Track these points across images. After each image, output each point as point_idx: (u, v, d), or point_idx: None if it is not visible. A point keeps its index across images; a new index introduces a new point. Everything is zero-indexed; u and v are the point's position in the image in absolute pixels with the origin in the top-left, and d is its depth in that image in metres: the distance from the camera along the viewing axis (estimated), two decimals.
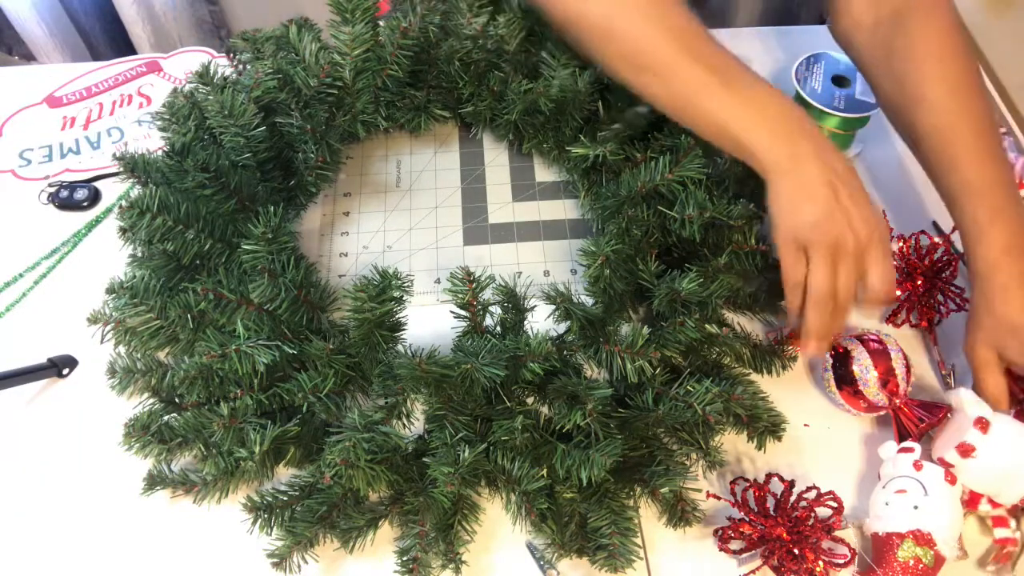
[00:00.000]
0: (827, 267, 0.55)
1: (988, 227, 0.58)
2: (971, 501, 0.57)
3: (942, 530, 0.53)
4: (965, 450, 0.55)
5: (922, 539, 0.53)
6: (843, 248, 0.54)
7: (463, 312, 0.59)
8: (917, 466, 0.56)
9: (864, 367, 0.60)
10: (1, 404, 0.64)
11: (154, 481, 0.58)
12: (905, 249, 0.68)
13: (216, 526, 0.58)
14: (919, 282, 0.67)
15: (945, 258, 0.67)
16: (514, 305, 0.61)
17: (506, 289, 0.60)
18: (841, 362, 0.61)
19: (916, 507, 0.54)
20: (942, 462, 0.56)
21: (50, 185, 0.78)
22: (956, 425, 0.58)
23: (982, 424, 0.55)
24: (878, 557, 0.54)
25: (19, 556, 0.57)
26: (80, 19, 1.30)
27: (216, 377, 0.58)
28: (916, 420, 0.60)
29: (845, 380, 0.61)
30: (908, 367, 0.61)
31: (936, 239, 0.68)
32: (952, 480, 0.55)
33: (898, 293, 0.67)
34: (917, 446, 0.57)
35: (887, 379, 0.60)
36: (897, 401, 0.60)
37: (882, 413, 0.62)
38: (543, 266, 0.73)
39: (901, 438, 0.60)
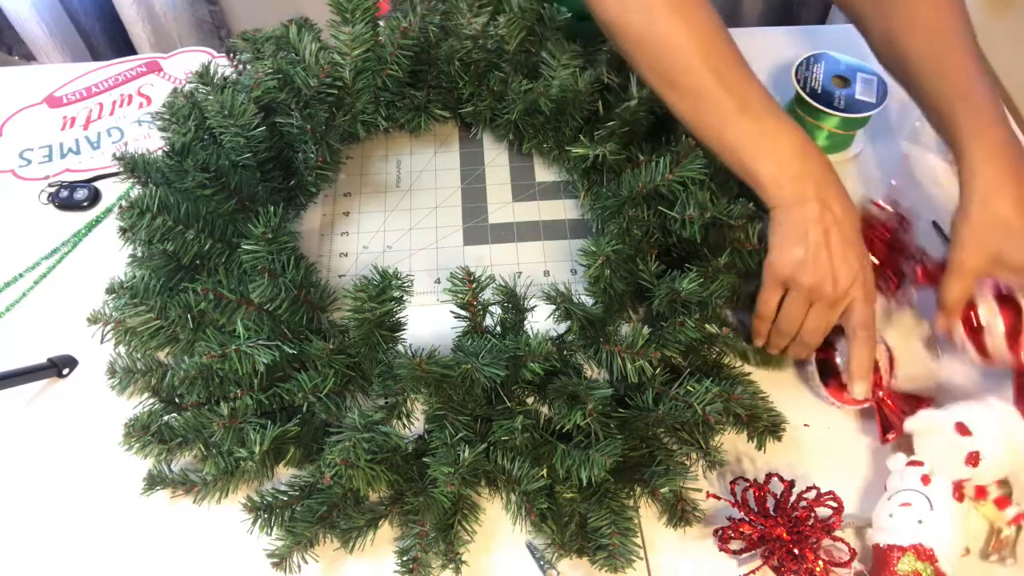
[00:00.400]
0: (799, 308, 0.58)
1: (979, 133, 0.58)
2: (979, 493, 0.57)
3: (944, 546, 0.53)
4: (974, 459, 0.54)
5: (923, 554, 0.52)
6: (820, 292, 0.56)
7: (463, 312, 0.59)
8: (925, 480, 0.55)
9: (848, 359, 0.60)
10: (1, 404, 0.64)
11: (154, 481, 0.58)
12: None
13: (216, 526, 0.58)
14: (879, 248, 0.67)
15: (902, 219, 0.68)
16: (514, 305, 0.61)
17: (506, 289, 0.60)
18: (825, 355, 0.61)
19: (920, 521, 0.53)
20: (958, 484, 0.55)
21: (50, 185, 0.78)
22: (936, 445, 0.57)
23: (963, 428, 0.55)
24: (878, 568, 0.54)
25: (19, 556, 0.57)
26: (80, 19, 1.30)
27: (216, 377, 0.58)
28: (899, 412, 0.60)
29: (830, 373, 0.61)
30: (892, 359, 0.61)
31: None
32: (960, 497, 0.55)
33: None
34: (927, 461, 0.57)
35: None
36: (880, 393, 0.60)
37: (866, 406, 0.62)
38: (543, 266, 0.73)
39: (884, 430, 0.61)
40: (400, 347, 0.60)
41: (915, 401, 0.61)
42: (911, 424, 0.58)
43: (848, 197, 0.57)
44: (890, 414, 0.61)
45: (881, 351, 0.61)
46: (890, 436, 0.60)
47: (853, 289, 0.56)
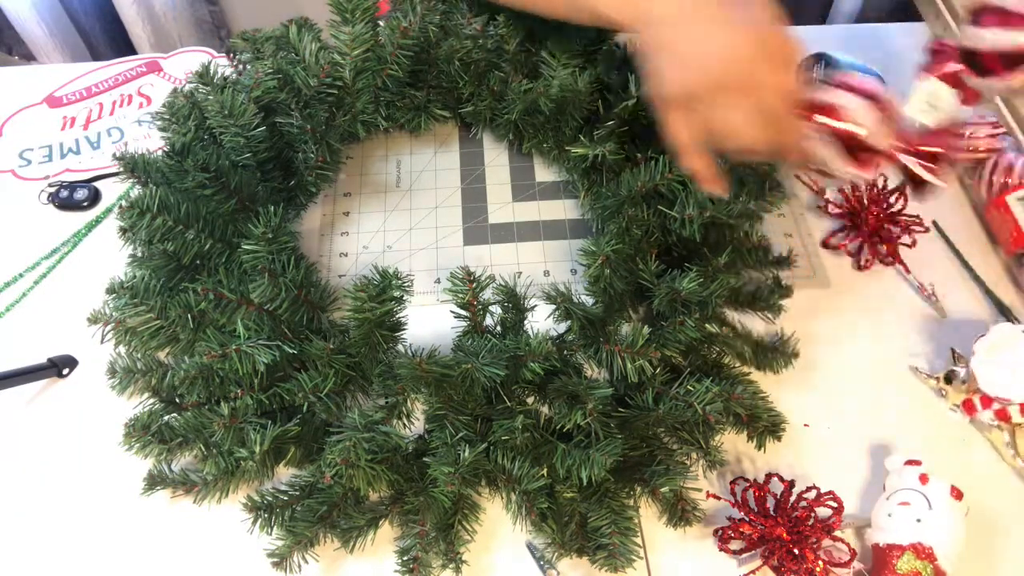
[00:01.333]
0: (718, 118, 0.50)
1: None
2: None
3: (943, 545, 0.53)
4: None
5: (922, 552, 0.52)
6: (720, 86, 0.49)
7: (463, 312, 0.59)
8: (923, 479, 0.55)
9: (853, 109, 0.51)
10: (1, 404, 0.64)
11: (154, 481, 0.58)
12: (850, 194, 0.71)
13: (216, 526, 0.58)
14: (871, 220, 0.69)
15: (889, 189, 0.69)
16: (514, 305, 0.61)
17: (506, 289, 0.60)
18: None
19: (919, 520, 0.53)
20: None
21: (50, 185, 0.78)
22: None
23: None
24: (877, 568, 0.54)
25: (19, 556, 0.57)
26: (80, 19, 1.30)
27: (216, 377, 0.58)
28: (923, 156, 0.52)
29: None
30: (885, 103, 0.52)
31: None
32: (958, 496, 0.55)
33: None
34: (922, 460, 0.57)
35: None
36: (891, 145, 0.52)
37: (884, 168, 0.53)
38: (543, 266, 0.73)
39: (915, 184, 0.53)
40: (400, 347, 0.60)
41: (939, 136, 0.53)
42: (980, 346, 0.59)
43: None
44: (914, 163, 0.52)
45: (875, 101, 0.51)
46: (929, 187, 0.52)
47: (754, 63, 0.48)
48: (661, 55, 0.51)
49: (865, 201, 0.70)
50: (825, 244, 0.73)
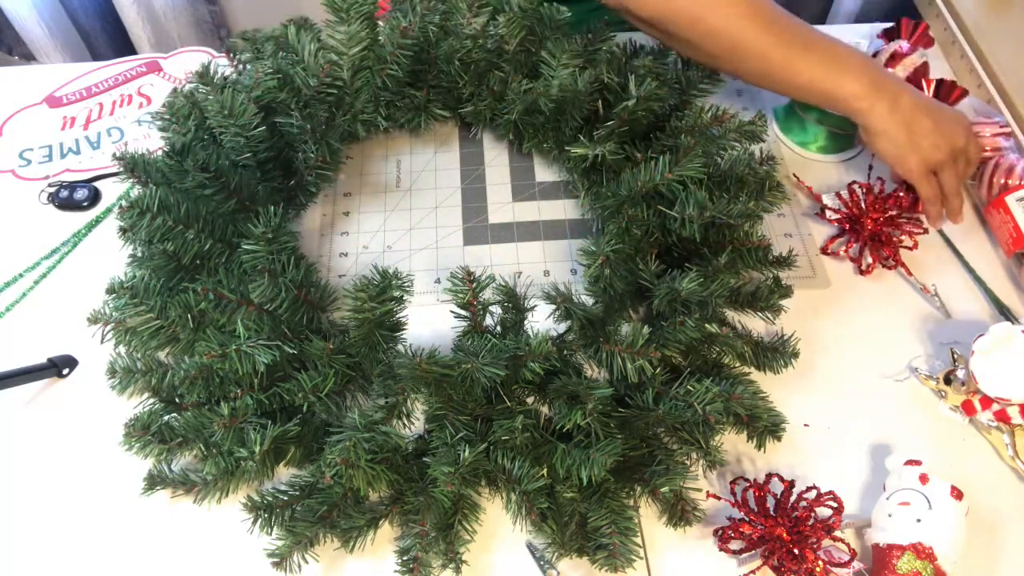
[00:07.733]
0: (954, 177, 0.69)
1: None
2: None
3: (943, 545, 0.53)
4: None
5: (923, 552, 0.52)
6: (959, 154, 0.68)
7: (463, 312, 0.59)
8: (923, 479, 0.55)
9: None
10: (1, 404, 0.64)
11: (154, 481, 0.58)
12: (849, 200, 0.72)
13: (216, 526, 0.58)
14: (869, 224, 0.70)
15: (887, 194, 0.71)
16: (514, 305, 0.61)
17: (506, 289, 0.60)
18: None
19: (919, 520, 0.53)
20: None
21: (50, 185, 0.78)
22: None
23: None
24: (877, 568, 0.54)
25: (19, 556, 0.57)
26: (80, 19, 1.30)
27: (216, 377, 0.58)
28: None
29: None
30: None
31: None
32: (958, 496, 0.55)
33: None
34: (922, 460, 0.57)
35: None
36: None
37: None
38: (543, 266, 0.73)
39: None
40: (400, 347, 0.60)
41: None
42: (979, 346, 0.59)
43: (908, 88, 0.67)
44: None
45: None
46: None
47: (967, 136, 0.69)
48: (897, 137, 0.67)
49: (863, 206, 0.70)
50: (824, 251, 0.73)
